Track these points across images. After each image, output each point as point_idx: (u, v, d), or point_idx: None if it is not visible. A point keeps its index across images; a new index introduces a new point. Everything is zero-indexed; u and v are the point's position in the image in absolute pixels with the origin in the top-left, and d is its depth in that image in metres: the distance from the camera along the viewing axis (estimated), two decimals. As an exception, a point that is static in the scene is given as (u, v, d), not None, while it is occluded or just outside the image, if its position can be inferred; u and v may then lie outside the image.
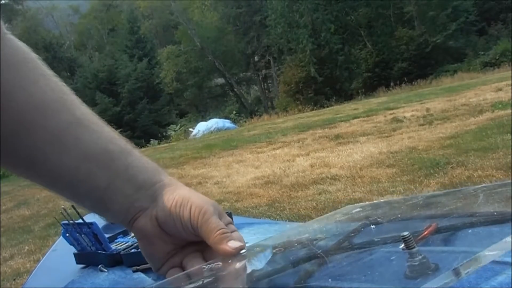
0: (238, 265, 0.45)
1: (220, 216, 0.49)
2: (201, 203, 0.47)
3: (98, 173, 0.46)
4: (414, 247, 0.36)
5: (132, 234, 1.08)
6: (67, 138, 0.45)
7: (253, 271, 0.46)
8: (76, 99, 0.49)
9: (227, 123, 21.02)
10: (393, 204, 0.58)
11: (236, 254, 0.46)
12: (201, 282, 0.43)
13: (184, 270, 0.49)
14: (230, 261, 0.45)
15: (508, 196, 0.45)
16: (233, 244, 0.46)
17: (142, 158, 0.50)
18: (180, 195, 0.48)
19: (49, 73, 0.47)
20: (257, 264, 0.48)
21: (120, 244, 1.02)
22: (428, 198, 0.57)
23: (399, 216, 0.51)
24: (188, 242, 0.50)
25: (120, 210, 0.48)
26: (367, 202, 0.60)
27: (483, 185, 0.51)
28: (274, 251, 0.49)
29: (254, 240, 0.51)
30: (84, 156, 0.46)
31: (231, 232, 0.48)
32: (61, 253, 1.16)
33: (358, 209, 0.58)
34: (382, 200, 0.61)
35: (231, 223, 0.50)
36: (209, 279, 0.44)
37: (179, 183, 0.51)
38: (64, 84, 0.49)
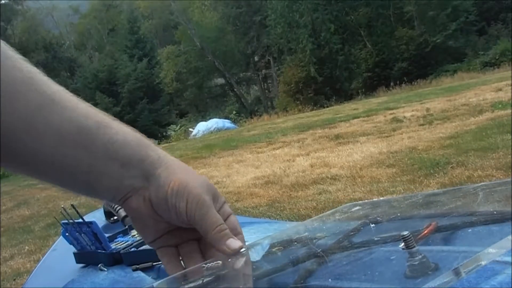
0: (241, 265, 0.45)
1: (217, 204, 0.47)
2: (198, 192, 0.45)
3: (76, 155, 0.43)
4: (414, 247, 0.36)
5: (132, 234, 1.08)
6: (39, 121, 0.41)
7: (252, 270, 0.46)
8: (47, 79, 0.44)
9: (227, 123, 21.02)
10: (392, 203, 0.58)
11: (234, 254, 0.45)
12: (201, 282, 0.43)
13: (179, 255, 0.48)
14: (230, 260, 0.45)
15: (508, 195, 0.45)
16: (231, 244, 0.45)
17: (122, 131, 0.46)
18: (176, 181, 0.45)
19: (15, 55, 0.42)
20: (254, 256, 0.48)
21: (120, 244, 1.02)
22: (428, 197, 0.57)
23: (398, 214, 0.51)
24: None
25: (108, 190, 0.45)
26: (366, 200, 0.60)
27: (483, 183, 0.51)
28: (274, 249, 0.49)
29: (254, 239, 0.51)
30: (58, 139, 0.42)
31: (232, 227, 0.47)
32: (61, 252, 1.16)
33: (357, 208, 0.58)
34: (381, 199, 0.60)
35: (231, 214, 0.49)
36: (209, 278, 0.44)
37: (170, 160, 0.47)
38: (32, 66, 0.44)
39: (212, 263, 0.45)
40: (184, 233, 0.48)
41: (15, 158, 0.42)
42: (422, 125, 8.13)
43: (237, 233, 0.48)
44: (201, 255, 0.48)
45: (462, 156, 5.11)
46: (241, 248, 0.46)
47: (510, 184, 0.46)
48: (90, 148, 0.43)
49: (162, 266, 0.48)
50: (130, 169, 0.45)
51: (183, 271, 0.46)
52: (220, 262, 0.45)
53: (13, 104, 0.40)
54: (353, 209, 0.58)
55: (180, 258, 0.49)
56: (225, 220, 0.47)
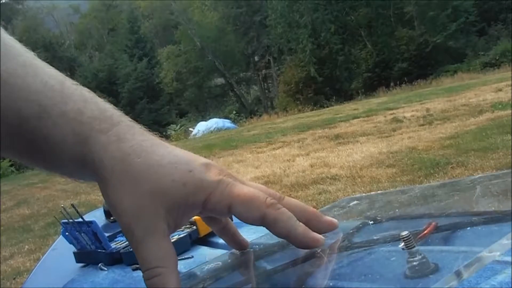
0: (242, 265, 0.45)
1: (185, 214, 0.36)
2: (127, 221, 0.34)
3: (24, 148, 0.35)
4: (414, 247, 0.36)
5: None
6: None
7: (252, 270, 0.46)
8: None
9: (227, 123, 21.02)
10: (390, 197, 0.58)
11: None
12: (201, 282, 0.43)
13: None
14: (230, 260, 0.45)
15: (506, 189, 0.45)
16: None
17: (62, 119, 0.34)
18: (110, 206, 0.34)
19: None
20: (254, 255, 0.47)
21: (120, 243, 1.02)
22: (425, 190, 0.57)
23: (397, 212, 0.51)
24: None
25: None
26: (363, 194, 0.60)
27: (480, 175, 0.51)
28: (273, 249, 0.49)
29: (254, 239, 0.51)
30: (4, 129, 0.34)
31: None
32: (61, 252, 1.16)
33: (355, 202, 0.58)
34: (379, 192, 0.61)
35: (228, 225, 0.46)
36: (210, 281, 0.44)
37: (109, 168, 0.34)
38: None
39: (212, 264, 0.45)
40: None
41: None
42: (422, 125, 8.13)
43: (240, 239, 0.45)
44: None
45: (462, 156, 5.11)
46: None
47: (508, 176, 0.46)
48: (32, 144, 0.35)
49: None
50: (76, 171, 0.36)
51: (184, 271, 0.46)
52: (220, 262, 0.45)
53: None
54: (351, 204, 0.58)
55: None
56: (227, 209, 0.37)
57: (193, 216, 0.37)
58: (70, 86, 0.37)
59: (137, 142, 0.35)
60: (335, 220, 0.40)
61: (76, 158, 0.35)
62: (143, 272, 0.35)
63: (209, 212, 0.37)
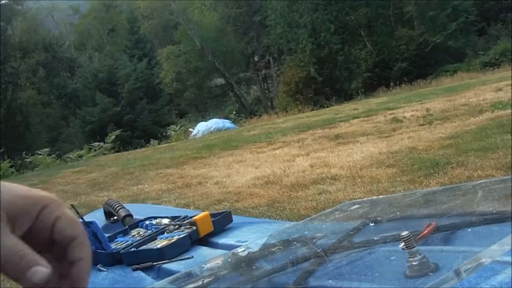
0: (240, 265, 0.45)
1: (24, 215, 0.39)
2: None
3: None
4: (414, 247, 0.36)
5: (132, 234, 1.07)
6: None
7: (252, 270, 0.46)
8: None
9: (227, 123, 21.01)
10: (391, 201, 0.58)
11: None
12: (201, 282, 0.43)
13: None
14: (230, 259, 0.45)
15: (507, 193, 0.45)
16: (33, 275, 0.36)
17: None
18: None
19: None
20: (253, 247, 0.47)
21: (120, 243, 1.02)
22: (427, 195, 0.57)
23: (398, 214, 0.51)
24: None
25: None
26: (365, 199, 0.60)
27: (482, 181, 0.51)
28: (273, 249, 0.48)
29: (254, 239, 0.51)
30: None
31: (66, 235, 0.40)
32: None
33: (356, 206, 0.58)
34: (380, 197, 0.60)
35: (57, 218, 0.40)
36: (209, 279, 0.44)
37: None
38: None
39: (212, 263, 0.45)
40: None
41: None
42: (422, 125, 8.13)
43: (70, 242, 0.40)
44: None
45: (462, 156, 5.11)
46: (47, 274, 0.37)
47: (509, 182, 0.46)
48: None
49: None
50: None
51: (184, 271, 0.46)
52: (220, 262, 0.45)
53: None
54: (352, 208, 0.58)
55: None
56: (50, 230, 0.39)
57: (30, 221, 0.39)
58: None
59: None
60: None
61: None
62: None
63: (39, 222, 0.40)
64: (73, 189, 8.81)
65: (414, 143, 6.51)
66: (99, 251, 0.97)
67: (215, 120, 21.90)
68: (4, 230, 0.36)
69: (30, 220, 0.39)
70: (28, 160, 18.69)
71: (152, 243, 0.99)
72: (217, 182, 6.66)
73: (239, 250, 0.46)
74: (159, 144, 20.58)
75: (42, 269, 0.36)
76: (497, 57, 22.15)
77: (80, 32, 42.50)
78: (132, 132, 25.74)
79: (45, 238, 0.40)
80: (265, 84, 38.01)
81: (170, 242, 0.94)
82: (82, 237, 0.40)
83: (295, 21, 26.85)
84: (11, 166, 17.19)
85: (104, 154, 17.51)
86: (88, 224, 0.97)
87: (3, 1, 34.29)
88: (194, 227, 0.97)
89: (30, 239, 0.39)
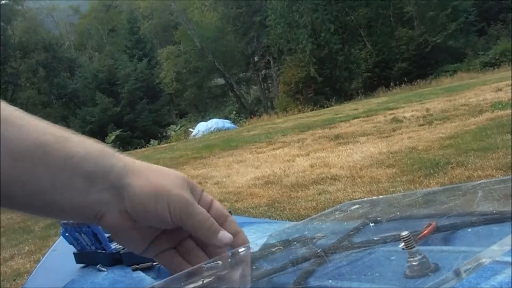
0: (241, 265, 0.45)
1: (196, 195, 0.46)
2: (177, 192, 0.43)
3: (36, 171, 0.40)
4: (414, 247, 0.36)
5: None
6: None
7: (252, 270, 0.45)
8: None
9: (227, 123, 21.02)
10: (391, 201, 0.58)
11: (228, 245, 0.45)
12: (201, 282, 0.43)
13: (179, 254, 0.47)
14: (230, 259, 0.45)
15: (507, 193, 0.45)
16: (222, 238, 0.44)
17: (83, 144, 0.43)
18: (151, 186, 0.43)
19: None
20: (253, 247, 0.47)
21: (120, 244, 1.02)
22: (427, 195, 0.57)
23: (398, 214, 0.51)
24: None
25: (75, 208, 0.43)
26: (365, 199, 0.60)
27: (482, 181, 0.51)
28: (273, 249, 0.48)
29: (254, 239, 0.51)
30: (15, 155, 0.39)
31: (219, 213, 0.47)
32: (61, 252, 1.16)
33: (356, 206, 0.58)
34: (380, 197, 0.60)
35: (212, 200, 0.48)
36: (209, 279, 0.44)
37: (138, 165, 0.45)
38: None
39: (212, 263, 0.45)
40: (174, 234, 0.47)
41: None
42: (422, 125, 8.13)
43: (226, 217, 0.47)
44: (201, 250, 0.47)
45: (462, 156, 5.11)
46: (231, 239, 0.45)
47: (510, 182, 0.46)
48: (50, 164, 0.41)
49: (163, 266, 0.48)
50: (95, 183, 0.42)
51: (184, 271, 0.46)
52: (220, 262, 0.45)
53: None
54: (352, 208, 0.58)
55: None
56: (209, 208, 0.47)
57: (197, 198, 0.46)
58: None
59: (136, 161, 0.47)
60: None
61: (99, 170, 0.43)
62: (201, 226, 0.44)
63: (202, 200, 0.47)
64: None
65: (414, 143, 6.51)
66: (99, 251, 0.97)
67: (215, 120, 21.90)
68: (195, 201, 0.44)
69: (197, 197, 0.46)
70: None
71: (152, 243, 0.99)
72: (217, 182, 6.67)
73: (239, 250, 0.46)
74: (159, 144, 20.58)
75: (227, 233, 0.44)
76: (497, 57, 22.16)
77: (80, 32, 42.52)
78: (132, 132, 25.74)
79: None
80: (265, 84, 38.02)
81: (170, 242, 0.94)
82: (232, 217, 0.48)
83: (295, 21, 26.85)
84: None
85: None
86: (88, 224, 0.97)
87: (3, 1, 34.32)
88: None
89: None
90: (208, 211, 0.46)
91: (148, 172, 0.44)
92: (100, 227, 0.99)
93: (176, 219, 0.43)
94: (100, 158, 0.43)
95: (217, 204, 0.47)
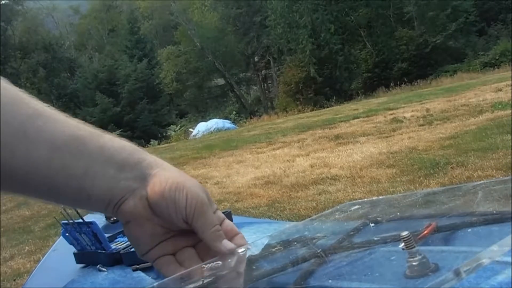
0: (238, 265, 0.45)
1: (212, 207, 0.48)
2: (196, 191, 0.46)
3: (72, 160, 0.43)
4: (414, 247, 0.36)
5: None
6: (31, 130, 0.41)
7: (252, 270, 0.46)
8: (35, 98, 0.45)
9: (227, 123, 21.02)
10: (391, 202, 0.58)
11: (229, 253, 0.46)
12: (201, 282, 0.43)
13: (177, 261, 0.48)
14: (229, 260, 0.45)
15: (507, 193, 0.45)
16: (227, 245, 0.46)
17: (115, 139, 0.47)
18: (173, 178, 0.46)
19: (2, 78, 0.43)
20: (253, 249, 0.47)
21: (120, 244, 1.02)
22: (427, 195, 0.57)
23: (398, 214, 0.51)
24: (179, 231, 0.48)
25: (103, 194, 0.45)
26: (365, 199, 0.60)
27: (482, 181, 0.51)
28: (273, 249, 0.48)
29: (254, 239, 0.51)
30: (52, 145, 0.42)
31: (229, 229, 0.48)
32: (61, 252, 1.16)
33: (356, 206, 0.58)
34: (381, 197, 0.60)
35: (224, 218, 0.49)
36: (209, 279, 0.44)
37: (165, 163, 0.49)
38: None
39: (212, 264, 0.45)
40: (180, 240, 0.48)
41: (8, 168, 0.41)
42: (422, 125, 8.13)
43: (236, 233, 0.48)
44: (200, 260, 0.48)
45: (462, 156, 5.11)
46: (235, 249, 0.47)
47: (510, 182, 0.46)
48: (85, 152, 0.44)
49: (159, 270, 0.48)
50: (126, 171, 0.46)
51: (183, 271, 0.46)
52: (220, 262, 0.45)
53: (4, 115, 0.41)
54: (352, 208, 0.58)
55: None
56: (221, 223, 0.48)
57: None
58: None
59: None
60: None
61: (132, 160, 0.46)
62: (210, 227, 0.46)
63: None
64: (73, 189, 8.79)
65: (414, 143, 6.51)
66: (99, 251, 0.97)
67: (215, 120, 21.91)
68: (210, 206, 0.47)
69: (213, 210, 0.49)
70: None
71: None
72: (217, 182, 6.67)
73: (239, 250, 0.46)
74: (159, 144, 20.59)
75: (231, 243, 0.47)
76: (497, 57, 22.16)
77: (80, 32, 42.49)
78: (132, 132, 25.73)
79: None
80: (265, 84, 38.02)
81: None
82: (241, 234, 0.50)
83: (295, 22, 26.84)
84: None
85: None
86: (88, 224, 0.97)
87: (3, 1, 34.32)
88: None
89: None
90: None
91: (174, 169, 0.48)
92: (100, 227, 1.00)
93: (190, 213, 0.45)
94: (131, 151, 0.47)
95: (228, 222, 0.49)
